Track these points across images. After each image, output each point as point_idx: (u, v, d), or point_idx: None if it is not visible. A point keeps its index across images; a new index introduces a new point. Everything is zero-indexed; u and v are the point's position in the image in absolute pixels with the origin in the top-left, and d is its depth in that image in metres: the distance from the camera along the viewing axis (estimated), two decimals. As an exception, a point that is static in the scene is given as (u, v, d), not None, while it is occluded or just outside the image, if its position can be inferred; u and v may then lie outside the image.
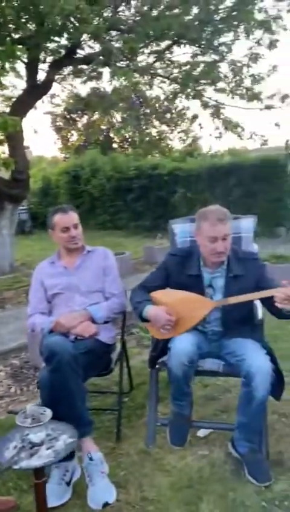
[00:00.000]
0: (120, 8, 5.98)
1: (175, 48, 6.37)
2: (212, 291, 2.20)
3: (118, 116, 10.19)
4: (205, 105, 6.46)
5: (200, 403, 2.64)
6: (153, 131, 10.03)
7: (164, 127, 10.30)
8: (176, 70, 6.18)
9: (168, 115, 9.14)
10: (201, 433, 2.32)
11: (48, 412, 1.43)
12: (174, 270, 2.24)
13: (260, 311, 2.33)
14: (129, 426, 2.46)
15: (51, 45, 5.87)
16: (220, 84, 6.67)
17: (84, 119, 14.27)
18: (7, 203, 6.71)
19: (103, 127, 15.21)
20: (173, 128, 10.73)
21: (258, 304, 2.32)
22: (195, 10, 5.25)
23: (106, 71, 6.38)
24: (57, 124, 15.76)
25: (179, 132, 10.97)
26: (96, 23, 4.87)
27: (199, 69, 5.74)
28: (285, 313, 2.01)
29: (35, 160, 20.69)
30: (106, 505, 1.73)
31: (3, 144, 5.64)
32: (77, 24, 5.09)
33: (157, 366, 2.25)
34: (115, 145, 16.74)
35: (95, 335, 2.18)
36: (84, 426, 1.87)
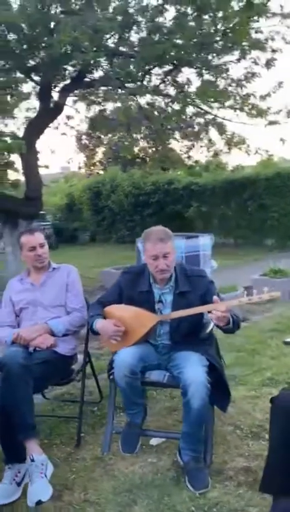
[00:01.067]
0: (126, 35, 6.26)
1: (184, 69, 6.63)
2: (162, 306, 2.34)
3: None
4: (207, 123, 6.61)
5: (163, 413, 2.76)
6: (175, 146, 10.16)
7: (186, 142, 10.45)
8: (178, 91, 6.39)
9: (189, 129, 9.26)
10: (154, 441, 2.44)
11: None
12: (127, 287, 2.41)
13: (211, 325, 2.44)
14: (92, 433, 2.61)
15: (58, 72, 6.23)
16: (228, 102, 6.84)
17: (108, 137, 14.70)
18: (21, 220, 7.06)
19: (126, 143, 15.58)
20: (195, 143, 10.89)
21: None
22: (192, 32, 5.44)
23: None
24: (82, 142, 16.29)
25: (201, 146, 11.13)
26: (95, 50, 5.15)
27: (195, 89, 5.93)
28: (223, 328, 2.13)
29: (70, 176, 21.31)
30: (39, 503, 1.88)
31: (12, 166, 6.00)
32: (81, 51, 5.40)
33: (111, 377, 2.40)
34: (138, 160, 17.09)
35: (52, 347, 2.36)
36: (28, 430, 2.04)
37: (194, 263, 2.67)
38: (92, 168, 19.42)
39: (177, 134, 9.33)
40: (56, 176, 18.56)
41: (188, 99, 5.73)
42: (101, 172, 16.32)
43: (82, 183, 14.57)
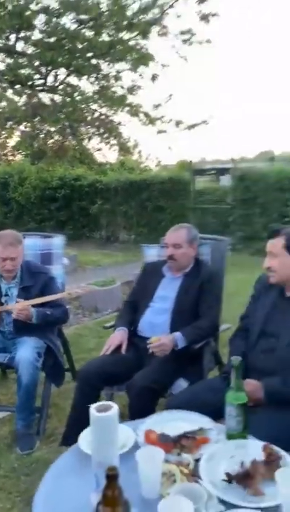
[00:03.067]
0: (24, 34, 6.42)
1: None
2: (8, 298, 2.69)
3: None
4: (98, 126, 7.08)
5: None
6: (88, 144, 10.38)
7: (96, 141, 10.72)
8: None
9: (101, 129, 9.53)
10: (-1, 415, 2.80)
11: None
12: (-21, 281, 2.72)
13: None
14: None
15: None
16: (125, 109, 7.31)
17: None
18: None
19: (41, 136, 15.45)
20: (107, 141, 11.24)
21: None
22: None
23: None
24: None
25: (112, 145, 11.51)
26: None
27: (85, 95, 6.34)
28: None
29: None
30: None
31: None
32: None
33: None
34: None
35: None
36: None
37: (47, 260, 3.05)
38: (4, 157, 18.90)
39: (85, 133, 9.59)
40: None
41: (80, 102, 6.09)
42: (14, 160, 16.08)
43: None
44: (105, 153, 11.23)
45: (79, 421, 2.14)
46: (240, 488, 1.12)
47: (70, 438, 2.16)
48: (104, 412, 1.08)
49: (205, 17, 6.18)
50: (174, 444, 1.28)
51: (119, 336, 2.37)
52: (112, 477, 0.90)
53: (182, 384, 2.25)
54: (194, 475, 1.14)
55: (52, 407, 2.84)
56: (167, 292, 2.51)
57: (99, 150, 9.95)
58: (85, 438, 1.32)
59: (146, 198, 9.94)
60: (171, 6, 6.05)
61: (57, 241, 3.12)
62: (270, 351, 1.83)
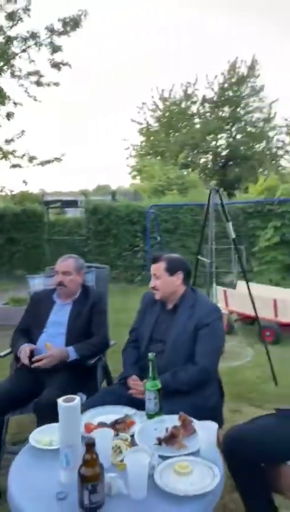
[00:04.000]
0: None
1: None
2: None
3: None
4: None
5: None
6: None
7: None
8: None
9: None
10: None
11: None
12: None
13: None
14: None
15: None
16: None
17: None
18: None
19: None
20: None
21: None
22: None
23: None
24: None
25: None
26: None
27: None
28: None
29: None
30: None
31: None
32: None
33: None
34: None
35: None
36: None
37: None
38: None
39: None
40: None
41: None
42: None
43: None
44: None
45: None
46: (169, 446, 1.50)
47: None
48: (70, 402, 1.33)
49: (56, 65, 6.68)
50: (111, 428, 1.58)
51: (25, 348, 2.52)
52: (90, 444, 1.17)
53: (82, 397, 2.51)
54: (134, 444, 1.46)
55: None
56: (58, 317, 2.75)
57: None
58: (34, 437, 1.53)
59: (-4, 231, 9.77)
60: (24, 50, 6.38)
61: None
62: (160, 353, 2.26)
